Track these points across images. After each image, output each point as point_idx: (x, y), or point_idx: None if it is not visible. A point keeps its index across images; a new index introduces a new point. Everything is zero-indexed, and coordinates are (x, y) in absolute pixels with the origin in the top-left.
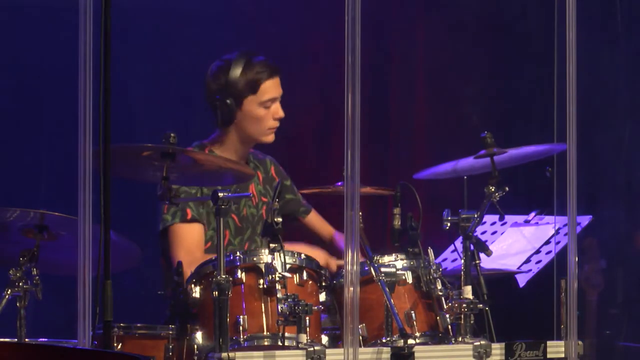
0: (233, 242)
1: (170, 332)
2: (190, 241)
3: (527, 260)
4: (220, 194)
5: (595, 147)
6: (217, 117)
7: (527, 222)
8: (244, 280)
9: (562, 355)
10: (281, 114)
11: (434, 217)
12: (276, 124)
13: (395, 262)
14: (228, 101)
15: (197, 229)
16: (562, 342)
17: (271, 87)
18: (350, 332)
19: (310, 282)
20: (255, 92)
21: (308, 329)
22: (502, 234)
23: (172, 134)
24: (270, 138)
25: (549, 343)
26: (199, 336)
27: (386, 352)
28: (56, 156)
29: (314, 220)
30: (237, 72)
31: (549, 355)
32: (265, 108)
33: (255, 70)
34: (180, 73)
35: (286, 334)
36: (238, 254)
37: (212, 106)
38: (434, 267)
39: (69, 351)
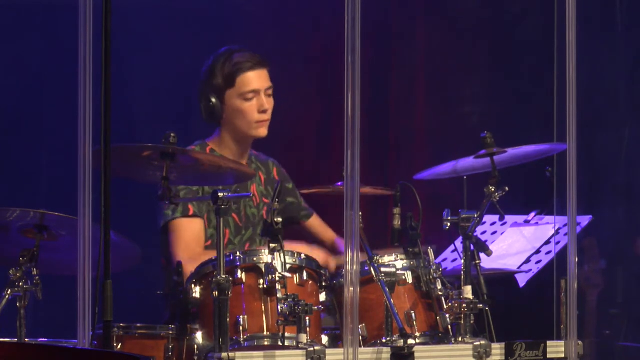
0: (233, 241)
1: (170, 332)
2: (190, 236)
3: (527, 260)
4: (220, 194)
5: (595, 147)
6: (204, 116)
7: (527, 222)
8: (244, 280)
9: (562, 355)
10: (266, 106)
11: (434, 217)
12: (264, 116)
13: (395, 262)
14: (212, 99)
15: (198, 225)
16: (562, 342)
17: (250, 79)
18: (350, 332)
19: (310, 282)
20: (233, 85)
21: (308, 329)
22: (502, 234)
23: (172, 134)
24: (261, 132)
25: (549, 343)
26: (199, 336)
27: (386, 352)
28: (56, 156)
29: (316, 224)
30: (217, 67)
31: (549, 355)
32: (246, 100)
33: (233, 63)
34: (180, 73)
35: (286, 334)
36: (238, 254)
37: (200, 106)
38: (434, 267)
39: (69, 351)
